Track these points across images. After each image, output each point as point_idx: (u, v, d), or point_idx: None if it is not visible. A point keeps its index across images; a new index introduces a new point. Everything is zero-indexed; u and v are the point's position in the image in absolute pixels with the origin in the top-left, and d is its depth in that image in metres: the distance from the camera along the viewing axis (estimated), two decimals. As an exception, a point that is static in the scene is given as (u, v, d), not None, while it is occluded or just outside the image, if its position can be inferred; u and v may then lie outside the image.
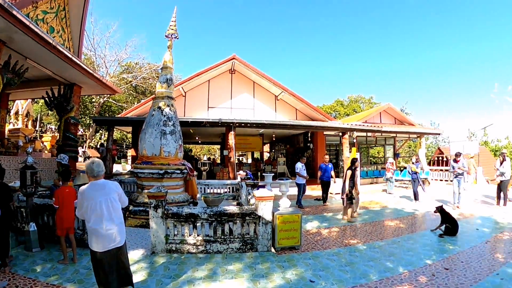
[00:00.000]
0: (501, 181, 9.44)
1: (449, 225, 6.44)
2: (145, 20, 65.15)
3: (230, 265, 4.63)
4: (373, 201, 11.14)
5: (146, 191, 6.42)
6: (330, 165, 10.48)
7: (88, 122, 27.38)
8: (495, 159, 10.23)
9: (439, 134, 23.46)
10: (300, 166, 9.93)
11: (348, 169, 8.16)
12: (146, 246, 5.37)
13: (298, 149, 19.07)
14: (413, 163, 12.01)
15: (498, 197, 9.60)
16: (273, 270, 4.48)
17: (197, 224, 5.22)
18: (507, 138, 30.80)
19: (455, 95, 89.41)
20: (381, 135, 18.74)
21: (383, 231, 6.95)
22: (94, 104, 27.61)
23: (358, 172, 9.34)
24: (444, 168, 19.14)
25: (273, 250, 5.36)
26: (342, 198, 8.08)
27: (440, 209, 6.68)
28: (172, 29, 8.11)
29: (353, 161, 8.19)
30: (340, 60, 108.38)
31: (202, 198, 7.06)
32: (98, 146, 25.08)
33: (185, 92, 16.08)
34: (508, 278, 4.32)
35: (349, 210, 7.82)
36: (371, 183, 17.64)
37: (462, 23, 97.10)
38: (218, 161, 25.13)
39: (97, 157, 9.17)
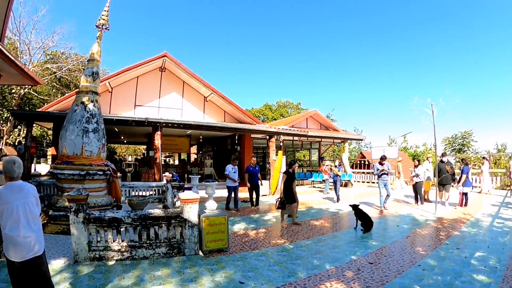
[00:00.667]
0: (416, 183, 10.77)
1: (363, 221, 7.14)
2: (77, 7, 59.77)
3: (158, 271, 4.56)
4: (299, 202, 11.65)
5: (66, 194, 5.97)
6: (257, 167, 10.68)
7: (6, 115, 24.48)
8: (413, 163, 11.55)
9: (361, 139, 25.57)
10: (230, 169, 9.89)
11: (284, 172, 8.29)
12: (68, 255, 5.03)
13: (225, 151, 19.33)
14: (335, 166, 13.03)
15: (416, 198, 11.00)
16: (202, 273, 4.48)
17: (121, 229, 5.05)
18: (424, 145, 35.06)
19: (378, 104, 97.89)
20: (307, 139, 19.91)
21: (309, 230, 7.30)
22: (14, 95, 24.71)
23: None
24: (365, 171, 20.96)
25: (201, 253, 5.37)
26: (279, 200, 8.14)
27: (354, 207, 7.41)
28: (103, 19, 7.77)
29: (291, 163, 8.30)
30: (273, 66, 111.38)
31: (126, 201, 6.91)
32: (16, 144, 22.89)
33: (112, 88, 15.34)
34: (429, 269, 4.78)
35: (284, 215, 8.05)
36: (297, 185, 18.52)
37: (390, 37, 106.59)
38: (144, 162, 24.35)
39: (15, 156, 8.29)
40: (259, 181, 10.59)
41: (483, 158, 16.02)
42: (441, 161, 10.61)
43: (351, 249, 5.80)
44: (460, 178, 10.26)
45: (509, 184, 14.73)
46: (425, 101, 9.83)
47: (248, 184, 10.49)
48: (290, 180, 8.00)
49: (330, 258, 5.24)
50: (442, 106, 9.59)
